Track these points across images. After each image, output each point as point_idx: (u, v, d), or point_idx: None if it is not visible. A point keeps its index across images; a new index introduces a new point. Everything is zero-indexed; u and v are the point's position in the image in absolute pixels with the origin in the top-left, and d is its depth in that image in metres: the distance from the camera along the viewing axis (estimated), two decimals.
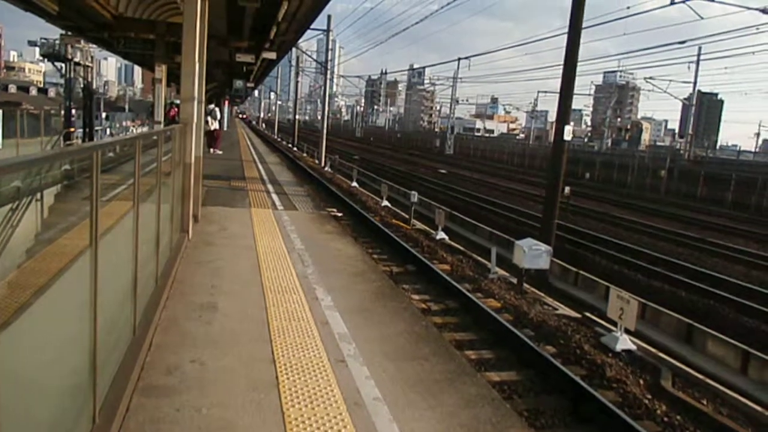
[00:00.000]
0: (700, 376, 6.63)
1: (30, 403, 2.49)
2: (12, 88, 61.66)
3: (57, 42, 33.05)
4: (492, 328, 7.42)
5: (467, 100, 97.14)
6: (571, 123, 12.51)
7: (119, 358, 3.80)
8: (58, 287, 3.15)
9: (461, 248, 12.60)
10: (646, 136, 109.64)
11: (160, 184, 5.34)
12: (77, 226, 4.03)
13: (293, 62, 51.38)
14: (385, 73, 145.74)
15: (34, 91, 66.30)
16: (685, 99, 51.25)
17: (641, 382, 6.30)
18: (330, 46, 36.25)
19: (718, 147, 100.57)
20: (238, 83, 26.51)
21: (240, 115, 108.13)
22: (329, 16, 34.51)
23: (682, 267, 13.38)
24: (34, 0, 11.30)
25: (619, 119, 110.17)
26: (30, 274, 3.95)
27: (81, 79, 34.43)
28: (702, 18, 23.65)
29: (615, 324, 7.39)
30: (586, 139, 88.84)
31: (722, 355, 7.70)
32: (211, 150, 22.28)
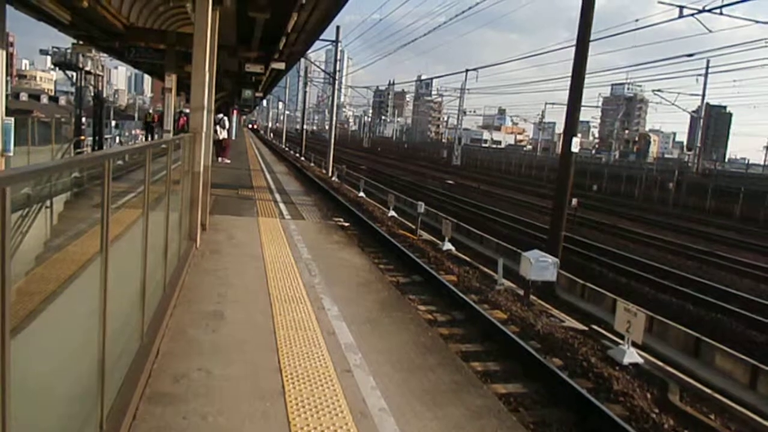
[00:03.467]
0: (708, 391, 6.58)
1: (38, 409, 2.50)
2: (23, 96, 62.29)
3: (68, 51, 33.37)
4: (498, 340, 7.40)
5: (475, 111, 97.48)
6: (579, 135, 12.50)
7: (127, 365, 3.81)
8: (68, 294, 3.17)
9: (468, 259, 12.59)
10: (654, 149, 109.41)
11: (169, 192, 5.37)
12: (86, 233, 4.06)
13: (302, 72, 51.68)
14: (393, 83, 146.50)
15: (45, 100, 66.94)
16: (693, 111, 51.17)
17: (648, 395, 6.26)
18: (338, 57, 36.47)
19: (726, 160, 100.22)
20: (247, 93, 26.64)
21: (250, 125, 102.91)
22: (338, 27, 34.78)
23: (690, 280, 13.30)
24: (46, 9, 11.43)
25: (626, 131, 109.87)
26: (39, 281, 3.98)
27: (91, 88, 34.77)
28: (710, 31, 23.67)
29: (622, 337, 7.36)
30: (593, 151, 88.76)
31: (730, 369, 7.63)
32: (220, 159, 22.38)
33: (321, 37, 17.88)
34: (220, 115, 24.05)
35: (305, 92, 55.37)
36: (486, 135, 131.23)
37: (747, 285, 13.94)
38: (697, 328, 9.09)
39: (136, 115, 67.76)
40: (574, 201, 18.18)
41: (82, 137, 28.78)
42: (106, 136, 33.58)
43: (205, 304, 5.92)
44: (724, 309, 11.12)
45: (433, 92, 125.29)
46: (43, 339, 2.67)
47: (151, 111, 24.07)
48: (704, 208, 32.82)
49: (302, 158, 44.16)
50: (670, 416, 5.80)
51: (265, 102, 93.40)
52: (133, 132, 42.24)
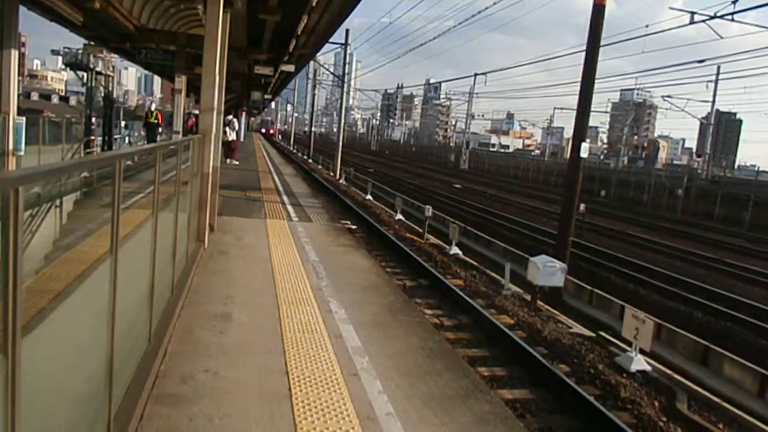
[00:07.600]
0: (717, 399, 6.53)
1: (46, 409, 2.51)
2: (34, 96, 62.65)
3: (80, 51, 33.51)
4: (505, 345, 7.38)
5: (483, 116, 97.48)
6: (588, 140, 12.46)
7: (134, 366, 3.82)
8: (78, 293, 3.18)
9: (475, 263, 12.56)
10: (662, 155, 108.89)
11: (178, 193, 5.39)
12: (96, 233, 4.08)
13: (311, 75, 51.82)
14: (402, 87, 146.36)
15: (55, 99, 67.26)
16: (703, 118, 50.84)
17: (656, 403, 6.22)
18: (347, 60, 36.54)
19: (736, 167, 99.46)
20: (256, 95, 26.76)
21: (263, 131, 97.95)
22: (347, 30, 34.81)
23: (699, 287, 13.21)
24: (59, 10, 11.51)
25: (635, 137, 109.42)
26: (48, 280, 3.99)
27: (102, 88, 34.90)
28: (721, 37, 23.52)
29: (630, 344, 7.31)
30: (602, 157, 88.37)
31: (739, 378, 7.57)
32: (228, 161, 22.46)
33: (330, 40, 17.93)
34: (229, 117, 24.16)
35: (314, 95, 55.46)
36: (494, 139, 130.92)
37: (757, 293, 13.83)
38: (706, 336, 9.02)
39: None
40: (582, 206, 18.11)
41: (92, 137, 28.92)
42: (116, 137, 33.73)
43: (213, 306, 5.94)
44: (733, 317, 11.04)
45: (442, 96, 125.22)
46: (52, 338, 2.68)
47: (153, 109, 22.79)
48: (713, 215, 32.60)
49: (310, 160, 44.23)
50: (678, 424, 5.76)
51: (273, 104, 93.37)
52: (143, 133, 42.46)
